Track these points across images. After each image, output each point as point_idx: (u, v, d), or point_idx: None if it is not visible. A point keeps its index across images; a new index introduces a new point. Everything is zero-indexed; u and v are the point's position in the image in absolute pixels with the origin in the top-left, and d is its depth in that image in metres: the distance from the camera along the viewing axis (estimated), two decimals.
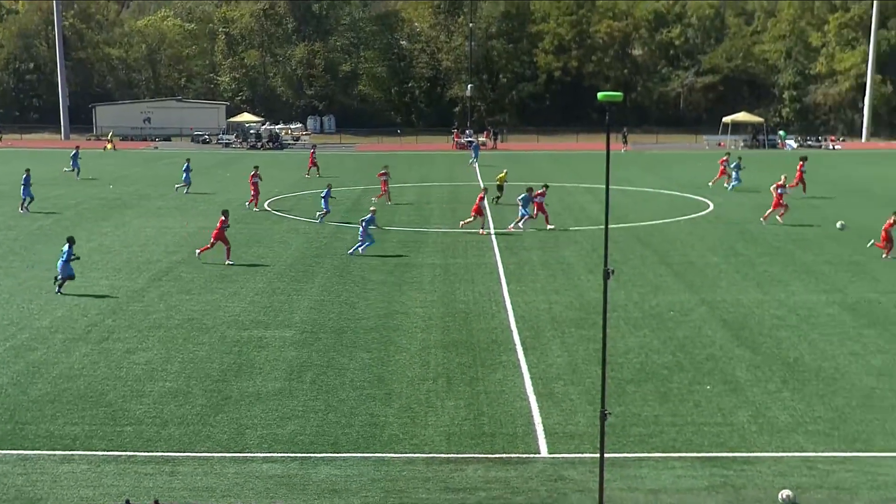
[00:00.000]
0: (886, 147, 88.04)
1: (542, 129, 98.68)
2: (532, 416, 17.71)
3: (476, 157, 69.44)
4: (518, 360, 21.22)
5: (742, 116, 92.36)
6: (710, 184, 53.25)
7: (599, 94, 12.12)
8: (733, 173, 52.19)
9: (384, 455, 15.92)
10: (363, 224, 33.67)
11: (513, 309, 25.78)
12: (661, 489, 14.62)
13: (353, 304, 26.40)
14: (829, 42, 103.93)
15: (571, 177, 59.41)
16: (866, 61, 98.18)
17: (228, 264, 31.24)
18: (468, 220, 38.20)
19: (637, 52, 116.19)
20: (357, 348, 22.10)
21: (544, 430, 17.04)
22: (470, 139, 75.59)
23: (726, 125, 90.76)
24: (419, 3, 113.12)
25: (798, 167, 50.22)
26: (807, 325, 24.12)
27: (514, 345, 22.40)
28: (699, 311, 25.60)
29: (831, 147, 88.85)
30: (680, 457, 15.87)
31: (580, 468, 15.35)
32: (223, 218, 31.92)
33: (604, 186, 12.90)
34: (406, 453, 15.97)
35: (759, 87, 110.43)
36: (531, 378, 19.89)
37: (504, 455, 15.96)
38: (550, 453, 16.05)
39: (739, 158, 53.98)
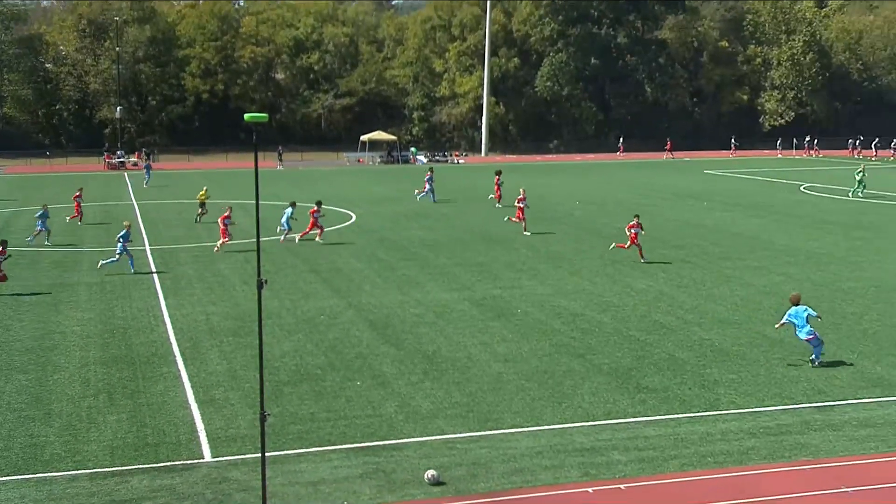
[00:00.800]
0: (503, 160, 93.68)
1: (193, 148, 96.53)
2: (195, 424, 17.28)
3: (149, 177, 66.16)
4: (178, 370, 20.62)
5: (378, 135, 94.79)
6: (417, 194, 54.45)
7: (246, 116, 12.03)
8: (426, 186, 53.80)
9: (46, 475, 14.92)
10: (120, 239, 31.74)
11: (171, 322, 25.02)
12: (319, 481, 14.73)
13: (8, 326, 24.57)
14: (450, 68, 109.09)
15: (223, 194, 58.49)
16: (482, 85, 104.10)
17: None
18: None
19: (280, 76, 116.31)
20: (13, 370, 20.58)
21: (207, 435, 16.67)
22: (147, 163, 71.87)
23: (364, 143, 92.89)
24: (63, 27, 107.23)
25: (495, 181, 52.06)
26: (442, 320, 25.16)
27: (174, 356, 21.76)
28: (347, 313, 26.03)
29: (456, 161, 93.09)
30: (335, 449, 16.05)
31: (243, 468, 15.16)
32: None
33: (254, 201, 12.84)
34: (69, 471, 15.06)
35: (391, 108, 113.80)
36: (192, 387, 19.41)
37: (169, 463, 15.45)
38: (214, 457, 15.72)
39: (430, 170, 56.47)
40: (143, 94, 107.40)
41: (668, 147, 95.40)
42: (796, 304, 20.97)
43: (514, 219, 41.74)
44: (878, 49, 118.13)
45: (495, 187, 51.86)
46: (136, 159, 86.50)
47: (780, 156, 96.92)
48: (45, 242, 38.03)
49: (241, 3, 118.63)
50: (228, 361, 21.33)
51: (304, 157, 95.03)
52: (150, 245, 37.73)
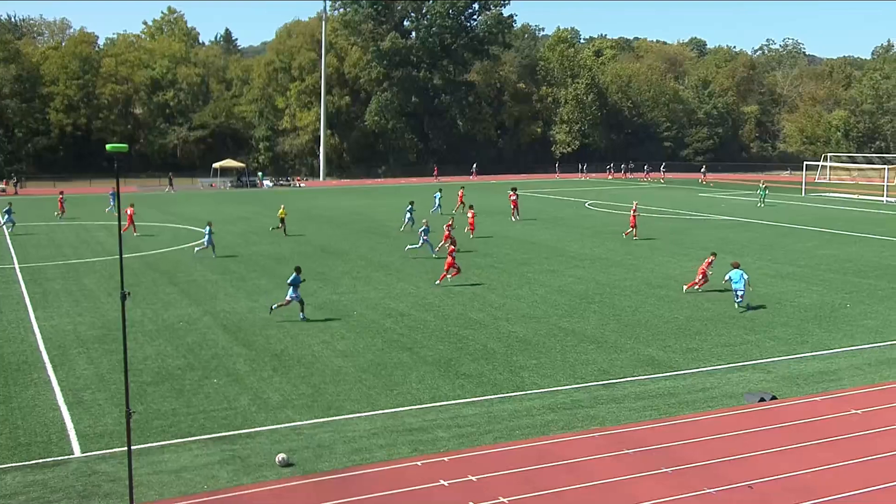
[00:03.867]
0: (337, 185, 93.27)
1: (59, 176, 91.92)
2: (65, 423, 16.38)
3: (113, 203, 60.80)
4: (49, 376, 19.50)
5: (228, 162, 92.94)
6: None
7: (108, 146, 11.54)
8: (407, 215, 47.22)
9: None
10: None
11: (41, 332, 23.64)
12: (181, 469, 14.25)
13: None
14: (291, 104, 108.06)
15: (88, 216, 55.90)
16: (319, 119, 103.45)
17: None
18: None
19: (138, 110, 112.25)
20: None
21: (76, 433, 15.84)
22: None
23: (216, 170, 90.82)
24: None
25: (510, 196, 52.32)
26: (289, 323, 24.78)
27: (44, 363, 20.56)
28: (204, 320, 25.30)
29: (298, 185, 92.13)
30: (195, 440, 15.57)
31: (111, 462, 14.49)
32: None
33: (116, 223, 12.34)
34: None
35: (240, 138, 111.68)
36: (62, 390, 18.40)
37: (41, 460, 14.59)
38: (83, 452, 14.95)
39: (411, 203, 48.76)
40: (10, 126, 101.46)
41: (473, 171, 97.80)
42: (736, 268, 26.57)
43: (628, 231, 42.91)
44: (643, 90, 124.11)
45: (511, 203, 52.19)
46: (3, 185, 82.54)
47: (581, 178, 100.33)
48: None
49: (101, 46, 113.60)
50: (95, 366, 20.35)
51: (161, 182, 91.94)
52: (18, 263, 35.57)
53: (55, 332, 23.65)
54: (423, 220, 38.47)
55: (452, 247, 31.80)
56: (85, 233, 46.40)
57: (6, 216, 38.50)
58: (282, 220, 45.90)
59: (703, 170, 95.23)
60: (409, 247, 37.90)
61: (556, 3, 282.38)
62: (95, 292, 29.62)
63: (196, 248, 38.00)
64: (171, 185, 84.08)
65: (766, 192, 65.11)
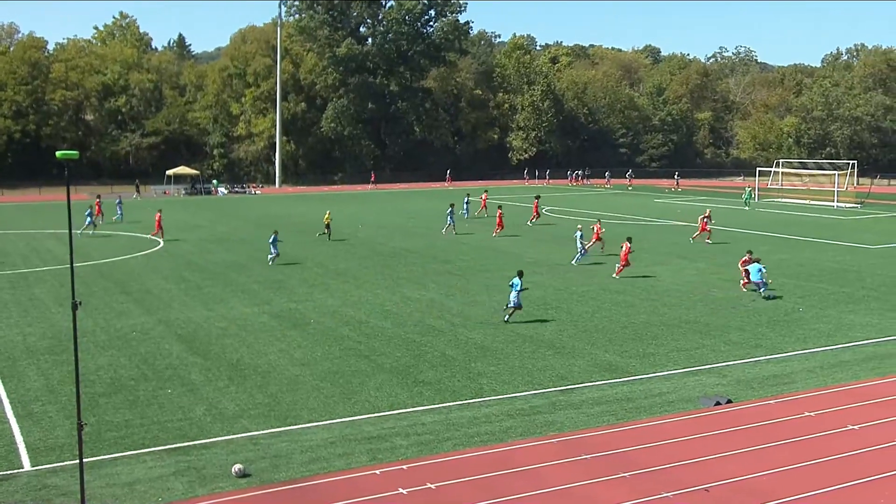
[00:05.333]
0: (294, 191, 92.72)
1: (7, 183, 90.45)
2: (14, 436, 16.04)
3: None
4: None
5: (182, 170, 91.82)
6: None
7: (58, 153, 11.37)
8: (448, 218, 48.77)
9: None
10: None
11: None
12: (135, 481, 14.04)
13: None
14: (246, 111, 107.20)
15: (37, 224, 54.94)
16: (275, 126, 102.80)
17: None
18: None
19: (90, 117, 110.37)
20: None
21: (26, 446, 15.52)
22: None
23: (170, 177, 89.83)
24: None
25: (534, 205, 54.54)
26: (245, 332, 24.59)
27: None
28: (158, 329, 24.98)
29: (253, 192, 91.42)
30: (150, 451, 15.34)
31: (62, 475, 14.22)
32: None
33: (67, 231, 12.12)
34: None
35: (194, 145, 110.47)
36: (10, 403, 18.01)
37: None
38: (34, 466, 14.65)
39: (452, 205, 49.78)
40: None
41: (448, 179, 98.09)
42: (755, 262, 29.54)
43: (698, 235, 44.81)
44: (599, 97, 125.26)
45: (534, 209, 54.18)
46: None
47: (526, 184, 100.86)
48: None
49: (51, 51, 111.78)
50: (46, 377, 19.97)
51: (113, 189, 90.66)
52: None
53: (4, 344, 23.17)
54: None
55: (627, 243, 33.90)
56: (34, 241, 45.57)
57: None
58: (327, 226, 46.71)
59: (676, 175, 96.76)
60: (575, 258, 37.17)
61: (511, 9, 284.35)
62: (46, 302, 29.09)
63: (269, 257, 37.30)
64: (137, 191, 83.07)
65: (751, 194, 70.31)
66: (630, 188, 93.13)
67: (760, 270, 29.32)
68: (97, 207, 55.43)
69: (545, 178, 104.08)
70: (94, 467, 14.32)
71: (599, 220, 42.85)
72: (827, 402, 18.08)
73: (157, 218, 47.15)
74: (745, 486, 13.72)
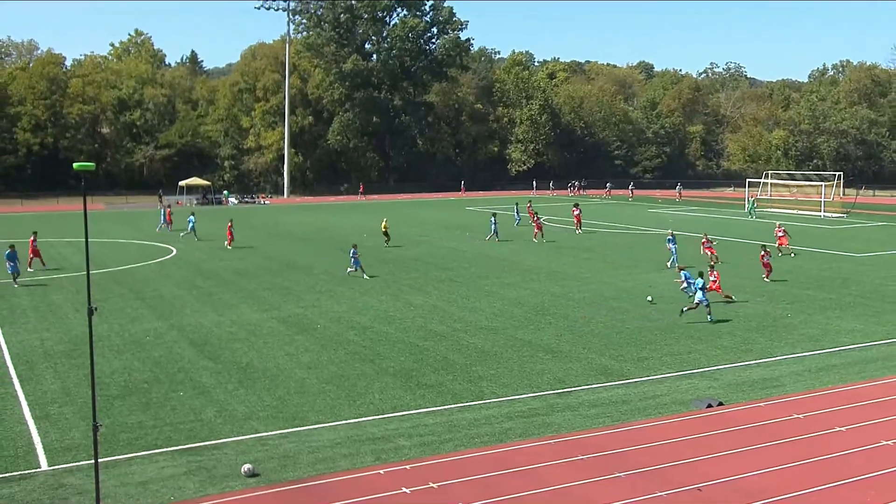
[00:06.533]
0: (301, 202, 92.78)
1: (26, 194, 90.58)
2: (32, 437, 16.04)
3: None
4: (15, 391, 19.10)
5: (194, 181, 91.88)
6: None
7: (75, 165, 11.39)
8: (493, 227, 49.67)
9: None
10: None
11: (7, 348, 23.16)
12: (148, 480, 14.01)
13: None
14: (255, 124, 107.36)
15: (55, 233, 54.97)
16: (283, 138, 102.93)
17: None
18: None
19: (105, 130, 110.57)
20: None
21: (43, 447, 15.51)
22: None
23: (182, 188, 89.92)
24: None
25: (574, 213, 55.24)
26: (254, 336, 24.58)
27: (11, 378, 20.14)
28: (171, 334, 24.97)
29: (262, 203, 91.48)
30: (162, 452, 15.33)
31: (78, 475, 14.20)
32: None
33: (83, 239, 12.14)
34: None
35: (205, 157, 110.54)
36: (28, 405, 18.02)
37: (7, 474, 14.25)
38: (51, 466, 14.64)
39: (494, 214, 52.96)
40: None
41: (462, 188, 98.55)
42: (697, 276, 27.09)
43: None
44: (595, 111, 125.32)
45: (575, 218, 54.69)
46: None
47: (551, 195, 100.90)
48: None
49: (68, 66, 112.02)
50: (62, 380, 19.97)
51: (128, 200, 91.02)
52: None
53: (22, 348, 23.18)
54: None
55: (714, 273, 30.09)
56: (52, 249, 45.59)
57: None
58: (385, 233, 47.12)
59: (678, 187, 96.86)
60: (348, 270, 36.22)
61: (510, 27, 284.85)
62: (63, 308, 29.10)
63: (348, 270, 35.85)
64: (160, 202, 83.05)
65: (755, 204, 71.10)
66: (631, 199, 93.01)
67: (689, 280, 27.89)
68: (167, 215, 56.81)
69: (549, 188, 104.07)
70: (108, 467, 14.31)
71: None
72: (815, 405, 18.04)
73: (228, 227, 47.19)
74: (736, 486, 13.67)
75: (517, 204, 62.74)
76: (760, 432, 16.26)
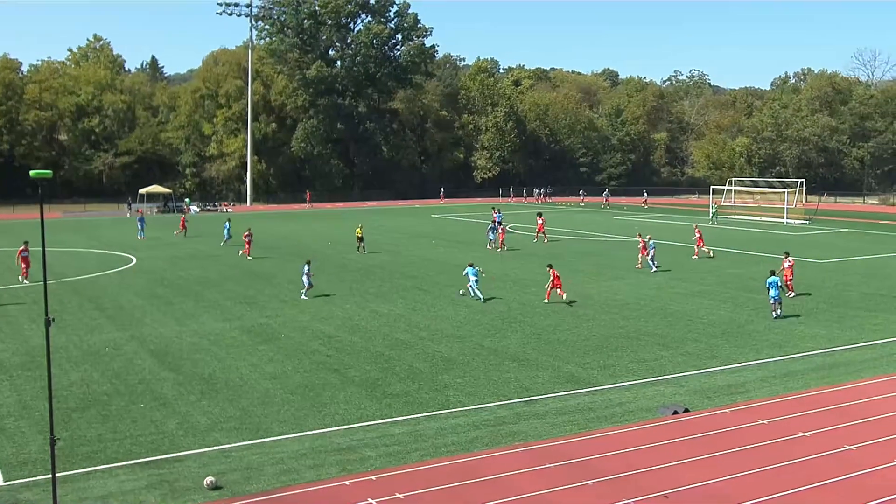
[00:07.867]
0: (265, 209, 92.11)
1: None
2: None
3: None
4: None
5: (155, 188, 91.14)
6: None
7: (31, 172, 11.22)
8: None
9: None
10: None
11: None
12: (108, 495, 13.79)
13: None
14: (218, 131, 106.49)
15: (11, 243, 53.98)
16: (246, 146, 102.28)
17: None
18: None
19: (63, 137, 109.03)
20: None
21: None
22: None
23: (143, 195, 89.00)
24: None
25: (538, 220, 54.09)
26: (217, 346, 24.34)
27: None
28: (130, 344, 24.65)
29: (225, 210, 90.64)
30: (122, 465, 15.09)
31: (35, 490, 13.93)
32: None
33: (40, 248, 11.95)
34: None
35: (166, 164, 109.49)
36: None
37: None
38: (6, 481, 14.33)
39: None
40: None
41: (443, 197, 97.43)
42: (772, 275, 28.88)
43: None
44: (560, 118, 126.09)
45: (538, 227, 53.82)
46: None
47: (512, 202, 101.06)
48: None
49: (25, 72, 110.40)
50: (18, 393, 19.61)
51: (87, 208, 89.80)
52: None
53: None
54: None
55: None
56: (8, 259, 44.81)
57: None
58: (360, 238, 47.09)
59: (644, 193, 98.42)
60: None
61: (475, 34, 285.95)
62: (18, 318, 28.60)
63: (301, 292, 32.88)
64: (129, 209, 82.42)
65: (717, 211, 74.23)
66: (605, 206, 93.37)
67: (777, 281, 29.03)
68: (182, 222, 56.29)
69: (521, 195, 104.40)
70: (67, 482, 14.06)
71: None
72: (779, 411, 18.26)
73: (245, 238, 46.32)
74: (702, 492, 13.79)
75: (540, 214, 59.23)
76: (726, 438, 16.42)
